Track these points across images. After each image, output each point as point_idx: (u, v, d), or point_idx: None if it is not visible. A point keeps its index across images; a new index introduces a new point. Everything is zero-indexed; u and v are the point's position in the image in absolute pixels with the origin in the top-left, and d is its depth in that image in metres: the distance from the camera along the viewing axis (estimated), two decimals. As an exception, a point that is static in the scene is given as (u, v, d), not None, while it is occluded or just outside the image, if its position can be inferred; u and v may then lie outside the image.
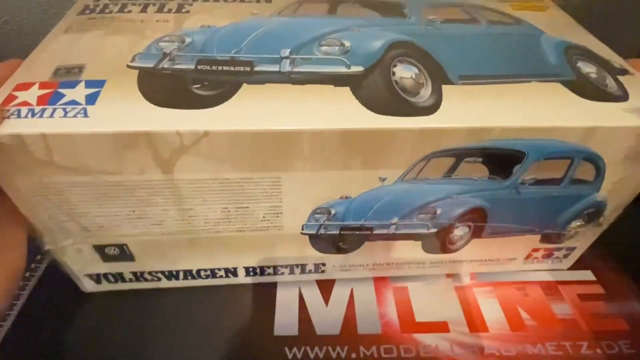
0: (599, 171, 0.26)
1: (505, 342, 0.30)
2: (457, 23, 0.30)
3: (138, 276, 0.31)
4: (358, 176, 0.25)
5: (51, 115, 0.20)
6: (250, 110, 0.22)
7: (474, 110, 0.23)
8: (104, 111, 0.21)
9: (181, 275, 0.31)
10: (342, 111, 0.22)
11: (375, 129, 0.22)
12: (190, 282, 0.32)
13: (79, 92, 0.22)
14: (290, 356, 0.28)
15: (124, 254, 0.28)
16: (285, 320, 0.31)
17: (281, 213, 0.26)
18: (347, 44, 0.26)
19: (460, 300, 0.32)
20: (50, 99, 0.21)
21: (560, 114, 0.23)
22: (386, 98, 0.23)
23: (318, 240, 0.29)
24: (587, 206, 0.28)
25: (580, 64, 0.27)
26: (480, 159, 0.25)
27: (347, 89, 0.23)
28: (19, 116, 0.20)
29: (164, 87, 0.23)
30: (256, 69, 0.24)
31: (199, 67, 0.24)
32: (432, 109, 0.23)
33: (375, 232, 0.28)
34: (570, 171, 0.26)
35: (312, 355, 0.28)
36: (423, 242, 0.30)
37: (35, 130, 0.20)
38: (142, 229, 0.26)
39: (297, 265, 0.31)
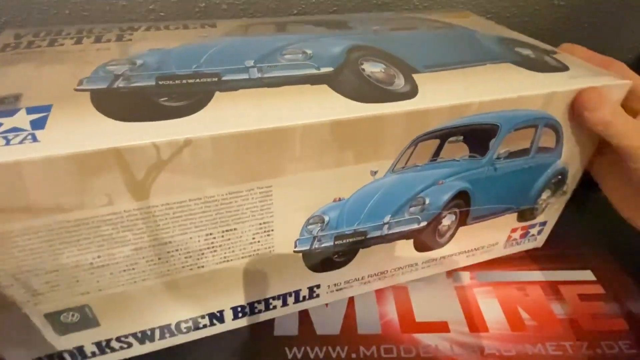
0: (559, 137, 0.29)
1: (505, 342, 0.30)
2: (401, 31, 0.33)
3: (103, 347, 0.25)
4: (351, 173, 0.24)
5: None
6: (231, 114, 0.20)
7: (450, 91, 0.24)
8: (58, 133, 0.18)
9: (157, 334, 0.27)
10: (328, 104, 0.22)
11: (365, 116, 0.22)
12: (169, 341, 0.28)
13: (21, 119, 0.19)
14: (290, 356, 0.28)
15: (85, 319, 0.23)
16: (285, 320, 0.31)
17: (272, 230, 0.24)
18: (309, 51, 0.27)
19: (460, 300, 0.32)
20: None
21: (523, 85, 0.26)
22: (364, 88, 0.24)
23: (312, 257, 0.27)
24: (553, 174, 0.31)
25: (518, 49, 0.31)
26: (462, 137, 0.26)
27: (325, 86, 0.23)
28: None
29: (126, 102, 0.21)
30: (224, 78, 0.23)
31: (160, 82, 0.22)
32: (411, 94, 0.24)
33: (369, 236, 0.28)
34: (535, 139, 0.28)
35: (312, 355, 0.28)
36: (415, 240, 0.30)
37: None
38: (109, 280, 0.22)
39: (290, 294, 0.29)
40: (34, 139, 0.18)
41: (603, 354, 0.29)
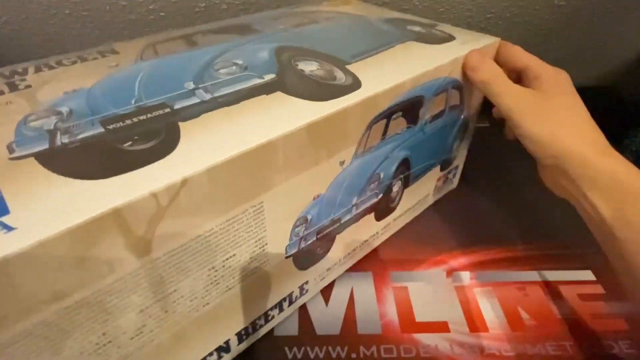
0: (462, 94, 0.34)
1: (505, 342, 0.30)
2: (305, 26, 0.34)
3: None
4: (325, 168, 0.25)
5: None
6: (212, 142, 0.20)
7: (384, 75, 0.27)
8: (31, 212, 0.16)
9: None
10: (293, 109, 0.23)
11: (333, 112, 0.23)
12: None
13: None
14: (290, 356, 0.28)
15: None
16: (285, 321, 0.31)
17: (266, 244, 0.25)
18: (239, 61, 0.27)
19: (460, 300, 0.32)
20: None
21: (433, 57, 0.30)
22: (314, 87, 0.25)
23: (299, 257, 0.28)
24: (461, 125, 0.37)
25: (409, 27, 0.35)
26: (401, 113, 0.29)
27: (279, 92, 0.24)
28: None
29: (88, 157, 0.18)
30: (176, 107, 0.22)
31: (109, 127, 0.20)
32: (356, 84, 0.26)
33: (342, 221, 0.30)
34: (448, 101, 0.33)
35: (312, 355, 0.28)
36: (375, 212, 0.33)
37: None
38: (117, 355, 0.20)
39: (284, 299, 0.29)
40: (7, 227, 0.15)
41: (603, 354, 0.29)
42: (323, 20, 0.36)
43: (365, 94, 0.25)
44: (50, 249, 0.15)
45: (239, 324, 0.27)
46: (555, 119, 0.28)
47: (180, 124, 0.21)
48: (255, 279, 0.26)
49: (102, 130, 0.20)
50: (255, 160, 0.20)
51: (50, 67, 0.26)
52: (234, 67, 0.26)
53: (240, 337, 0.28)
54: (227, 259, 0.23)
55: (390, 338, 0.30)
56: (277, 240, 0.25)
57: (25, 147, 0.19)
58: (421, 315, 0.31)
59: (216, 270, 0.22)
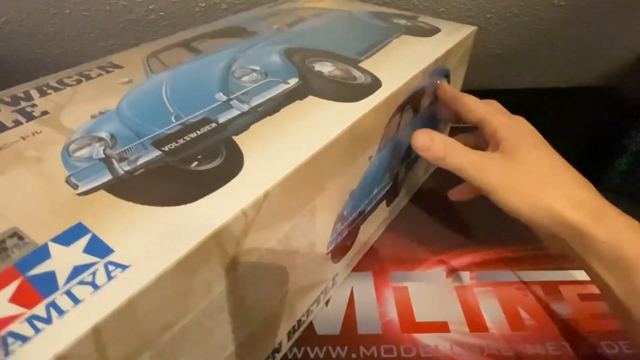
0: (449, 80, 0.36)
1: (505, 342, 0.30)
2: (297, 25, 0.35)
3: None
4: (359, 165, 0.26)
5: (75, 303, 0.13)
6: (273, 154, 0.20)
7: (397, 70, 0.28)
8: (133, 247, 0.15)
9: None
10: (332, 114, 0.23)
11: (368, 111, 0.24)
12: None
13: (76, 254, 0.15)
14: (290, 356, 0.28)
15: None
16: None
17: (314, 244, 0.25)
18: (256, 67, 0.27)
19: (460, 300, 0.32)
20: (40, 288, 0.14)
21: (431, 49, 0.31)
22: (341, 88, 0.26)
23: (335, 252, 0.29)
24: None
25: (395, 21, 0.37)
26: (410, 105, 0.30)
27: (310, 97, 0.25)
28: (24, 341, 0.12)
29: (162, 183, 0.18)
30: (221, 121, 0.22)
31: (164, 149, 0.20)
32: (377, 81, 0.27)
33: (366, 211, 0.31)
34: (438, 87, 0.34)
35: (312, 355, 0.28)
36: (387, 198, 0.35)
37: (79, 330, 0.13)
38: None
39: (322, 293, 0.30)
40: (121, 266, 0.15)
41: (603, 354, 0.29)
42: (312, 17, 0.37)
43: (388, 90, 0.26)
44: (165, 280, 0.15)
45: (290, 323, 0.28)
46: (533, 185, 0.24)
47: (235, 138, 0.21)
48: (306, 279, 0.26)
49: (159, 153, 0.20)
50: (313, 166, 0.21)
51: (56, 89, 0.25)
52: (255, 74, 0.26)
53: (289, 335, 0.28)
54: (288, 266, 0.23)
55: (390, 338, 0.30)
56: (322, 239, 0.26)
57: (88, 180, 0.18)
58: (421, 315, 0.31)
59: (279, 277, 0.23)
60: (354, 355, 0.29)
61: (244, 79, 0.26)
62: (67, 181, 0.18)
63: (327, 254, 0.28)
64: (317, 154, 0.21)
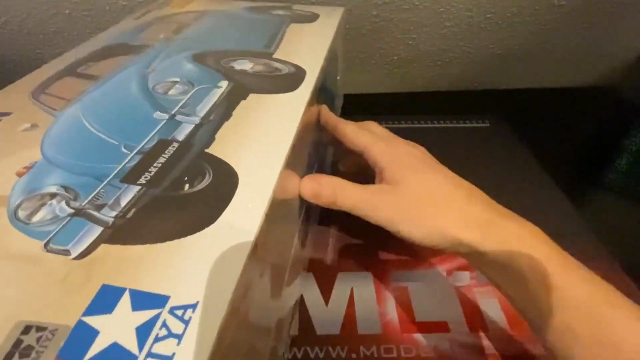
0: (337, 62, 0.38)
1: (505, 342, 0.30)
2: (183, 31, 0.34)
3: None
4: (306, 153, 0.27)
5: None
6: (258, 157, 0.20)
7: (309, 57, 0.30)
8: (190, 288, 0.14)
9: None
10: (281, 104, 0.24)
11: (310, 97, 0.25)
12: None
13: (125, 319, 0.13)
14: (290, 355, 0.28)
15: None
16: (285, 320, 0.31)
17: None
18: (175, 79, 0.26)
19: (460, 300, 0.32)
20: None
21: (324, 34, 0.33)
22: (278, 81, 0.27)
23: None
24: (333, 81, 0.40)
25: (274, 12, 0.39)
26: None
27: (252, 95, 0.25)
28: None
29: (168, 216, 0.17)
30: (181, 138, 0.21)
31: (141, 181, 0.18)
32: (301, 69, 0.28)
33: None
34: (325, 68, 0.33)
35: (312, 355, 0.28)
36: None
37: None
38: None
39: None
40: (191, 306, 0.14)
41: (603, 354, 0.29)
42: (193, 21, 0.35)
43: (314, 75, 0.27)
44: (234, 305, 0.14)
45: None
46: (422, 211, 0.24)
47: (208, 151, 0.20)
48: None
49: (138, 188, 0.18)
50: (294, 153, 0.21)
51: None
52: (179, 86, 0.25)
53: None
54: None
55: (390, 338, 0.30)
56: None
57: (76, 241, 0.15)
58: (421, 315, 0.31)
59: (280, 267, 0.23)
60: (354, 355, 0.29)
61: (171, 92, 0.25)
62: (49, 250, 0.15)
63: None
64: (295, 141, 0.21)
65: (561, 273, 0.21)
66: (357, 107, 0.46)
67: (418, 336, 0.30)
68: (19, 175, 0.19)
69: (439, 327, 0.30)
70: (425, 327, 0.30)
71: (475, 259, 0.24)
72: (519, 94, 0.63)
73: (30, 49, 0.50)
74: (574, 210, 0.40)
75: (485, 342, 0.30)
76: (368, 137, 0.28)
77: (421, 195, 0.25)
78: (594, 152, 0.58)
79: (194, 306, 0.13)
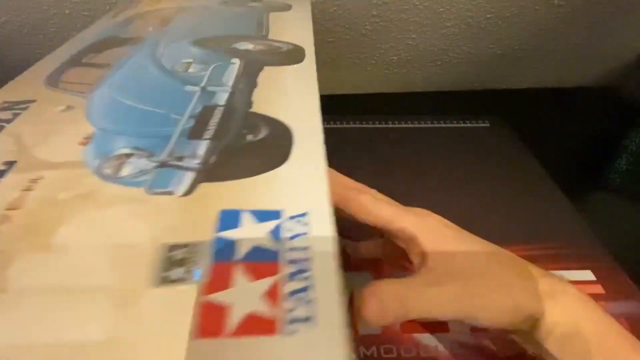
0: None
1: (505, 342, 0.30)
2: (169, 24, 0.34)
3: None
4: None
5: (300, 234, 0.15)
6: (298, 108, 0.22)
7: (301, 37, 0.31)
8: (297, 200, 0.16)
9: None
10: (295, 72, 0.26)
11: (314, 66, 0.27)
12: None
13: (253, 227, 0.15)
14: (290, 356, 0.28)
15: None
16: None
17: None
18: (189, 60, 0.27)
19: (460, 300, 0.32)
20: (266, 258, 0.14)
21: (300, 17, 0.35)
22: (281, 56, 0.28)
23: None
24: None
25: (250, 4, 0.39)
26: None
27: (266, 67, 0.26)
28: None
29: (248, 155, 0.18)
30: (221, 103, 0.22)
31: (206, 137, 0.19)
32: (300, 47, 0.29)
33: None
34: None
35: (312, 355, 0.28)
36: None
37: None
38: None
39: None
40: (301, 215, 0.15)
41: (603, 354, 0.29)
42: (175, 14, 0.36)
43: (312, 50, 0.29)
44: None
45: None
46: (497, 290, 0.22)
47: (251, 111, 0.22)
48: None
49: (207, 141, 0.19)
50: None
51: None
52: (196, 65, 0.26)
53: None
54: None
55: (390, 338, 0.30)
56: None
57: (175, 183, 0.16)
58: (421, 315, 0.31)
59: None
60: (353, 356, 0.28)
61: (191, 70, 0.25)
62: (153, 192, 0.16)
63: None
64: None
65: (624, 344, 0.20)
66: (357, 108, 0.46)
67: (418, 336, 0.30)
68: (81, 144, 0.19)
69: (439, 327, 0.30)
70: (425, 327, 0.30)
71: (541, 334, 0.21)
72: (519, 94, 0.63)
73: (30, 49, 0.50)
74: (574, 210, 0.40)
75: (485, 342, 0.30)
76: (393, 208, 0.24)
77: (483, 274, 0.22)
78: (594, 152, 0.58)
79: (305, 214, 0.15)
